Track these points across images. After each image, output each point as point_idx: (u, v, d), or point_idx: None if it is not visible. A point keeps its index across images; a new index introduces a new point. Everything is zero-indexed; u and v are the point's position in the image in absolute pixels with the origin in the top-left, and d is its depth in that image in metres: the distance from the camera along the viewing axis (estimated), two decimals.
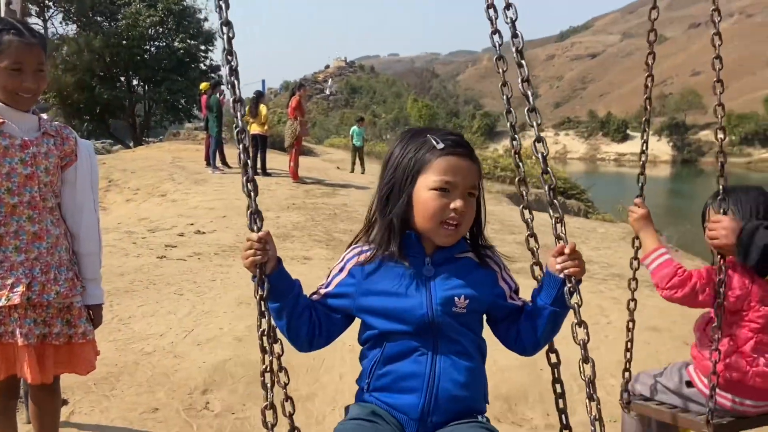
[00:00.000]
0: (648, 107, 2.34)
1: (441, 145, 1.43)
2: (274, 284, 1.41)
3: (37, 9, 23.64)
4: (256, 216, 1.43)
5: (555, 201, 1.51)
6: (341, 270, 1.52)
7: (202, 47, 26.36)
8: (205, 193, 10.37)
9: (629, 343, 2.38)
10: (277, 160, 14.81)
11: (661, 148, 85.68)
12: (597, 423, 1.39)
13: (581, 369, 1.44)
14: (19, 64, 1.91)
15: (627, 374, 2.37)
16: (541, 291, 1.51)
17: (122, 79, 26.07)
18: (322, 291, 1.53)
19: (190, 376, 3.42)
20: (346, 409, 1.55)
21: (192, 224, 7.72)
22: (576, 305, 1.44)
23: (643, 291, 4.26)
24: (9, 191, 1.93)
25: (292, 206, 9.36)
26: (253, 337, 1.98)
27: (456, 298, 1.44)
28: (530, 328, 1.50)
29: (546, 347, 1.54)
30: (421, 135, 1.49)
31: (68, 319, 2.05)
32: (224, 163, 13.48)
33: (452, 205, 1.41)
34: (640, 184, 2.31)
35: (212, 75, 25.15)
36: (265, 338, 1.43)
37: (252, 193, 1.45)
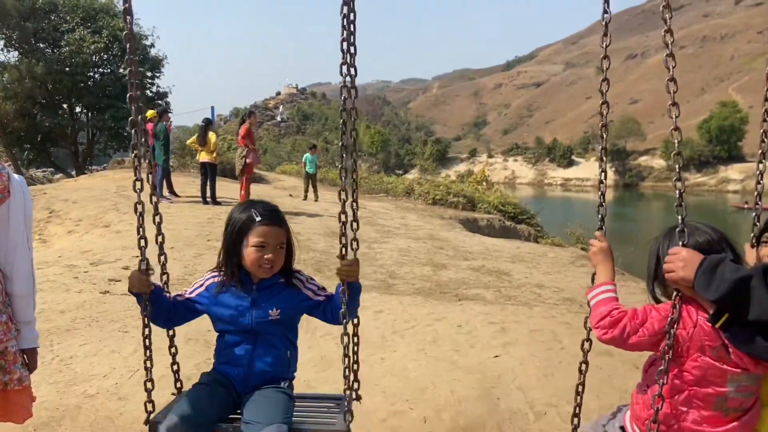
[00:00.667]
0: (604, 135, 2.27)
1: (259, 218, 2.19)
2: (153, 297, 2.20)
3: None
4: (144, 262, 2.20)
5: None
6: (201, 285, 2.30)
7: (149, 74, 25.83)
8: (151, 222, 10.05)
9: (580, 387, 2.29)
10: (227, 188, 14.58)
11: None
12: None
13: None
14: None
15: (576, 420, 2.29)
16: (336, 294, 2.24)
17: (65, 106, 25.23)
18: (186, 295, 2.30)
19: (136, 419, 3.24)
20: (201, 375, 2.31)
21: (137, 257, 7.45)
22: (343, 298, 2.13)
23: None
24: None
25: None
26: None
27: (270, 311, 2.22)
28: (335, 310, 2.22)
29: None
30: (249, 208, 2.24)
31: (2, 365, 1.92)
32: (172, 192, 13.18)
33: (267, 257, 2.18)
34: (600, 216, 2.24)
35: (159, 102, 24.67)
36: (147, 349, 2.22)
37: (141, 229, 2.21)
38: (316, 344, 4.70)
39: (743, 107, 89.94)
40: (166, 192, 12.84)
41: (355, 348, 2.21)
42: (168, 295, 2.28)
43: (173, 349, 2.38)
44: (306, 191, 15.73)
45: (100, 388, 3.57)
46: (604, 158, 2.32)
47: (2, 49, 24.07)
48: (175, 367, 2.41)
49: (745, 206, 38.99)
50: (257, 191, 14.63)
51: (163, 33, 28.79)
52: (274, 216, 2.21)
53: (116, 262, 7.21)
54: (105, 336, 4.48)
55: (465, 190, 19.75)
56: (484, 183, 24.80)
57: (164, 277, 2.33)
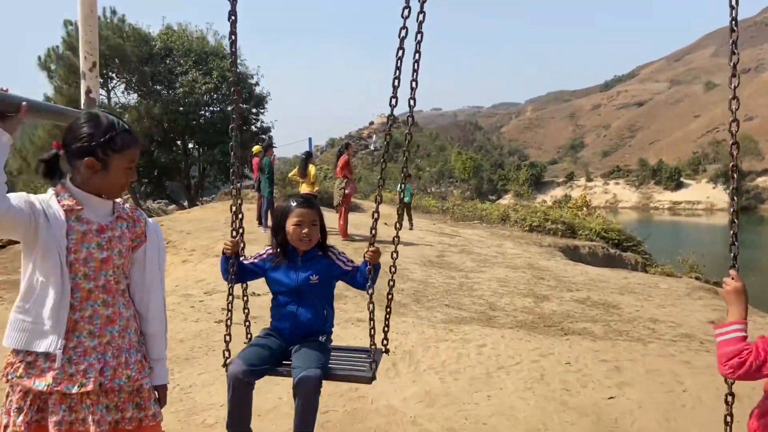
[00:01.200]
0: (734, 153, 2.18)
1: (295, 203, 2.96)
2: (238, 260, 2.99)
3: (101, 81, 25.13)
4: (237, 229, 2.99)
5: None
6: (262, 255, 3.02)
7: (254, 110, 27.34)
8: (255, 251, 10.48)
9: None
10: (326, 218, 14.96)
11: (717, 195, 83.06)
12: None
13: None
14: (133, 162, 2.08)
15: None
16: (363, 267, 2.95)
17: (178, 143, 27.16)
18: (250, 260, 3.02)
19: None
20: (261, 331, 3.06)
21: (246, 286, 7.79)
22: (369, 271, 2.91)
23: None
24: (85, 276, 1.96)
25: None
26: None
27: (311, 277, 2.92)
28: (357, 275, 2.97)
29: None
30: (288, 199, 3.04)
31: (138, 402, 2.04)
32: None
33: (303, 232, 2.91)
34: (732, 254, 2.18)
35: (263, 136, 25.96)
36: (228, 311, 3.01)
37: (236, 209, 2.97)
38: (420, 379, 4.66)
39: None
40: (270, 223, 13.37)
41: (389, 310, 3.05)
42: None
43: (246, 310, 3.19)
44: (407, 220, 15.80)
45: (218, 417, 3.72)
46: (734, 186, 2.28)
47: (123, 92, 26.39)
48: (247, 323, 3.18)
49: None
50: (354, 220, 14.90)
51: (267, 71, 30.40)
52: (307, 201, 3.03)
53: (221, 290, 7.57)
54: (221, 365, 4.68)
55: (564, 216, 19.12)
56: (585, 208, 23.93)
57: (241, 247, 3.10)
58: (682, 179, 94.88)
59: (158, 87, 26.27)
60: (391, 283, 2.99)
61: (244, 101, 26.25)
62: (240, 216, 2.97)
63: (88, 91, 2.88)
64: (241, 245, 3.00)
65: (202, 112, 26.55)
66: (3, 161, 1.82)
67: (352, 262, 3.02)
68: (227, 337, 2.95)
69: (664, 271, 14.07)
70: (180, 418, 3.70)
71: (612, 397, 4.39)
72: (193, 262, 10.53)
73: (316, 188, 13.08)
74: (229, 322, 2.96)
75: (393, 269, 2.94)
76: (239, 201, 2.95)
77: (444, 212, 23.31)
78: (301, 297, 2.93)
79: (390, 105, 2.83)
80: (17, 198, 1.88)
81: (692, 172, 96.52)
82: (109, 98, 24.92)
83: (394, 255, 2.96)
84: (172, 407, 3.85)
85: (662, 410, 4.17)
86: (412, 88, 2.84)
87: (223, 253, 2.94)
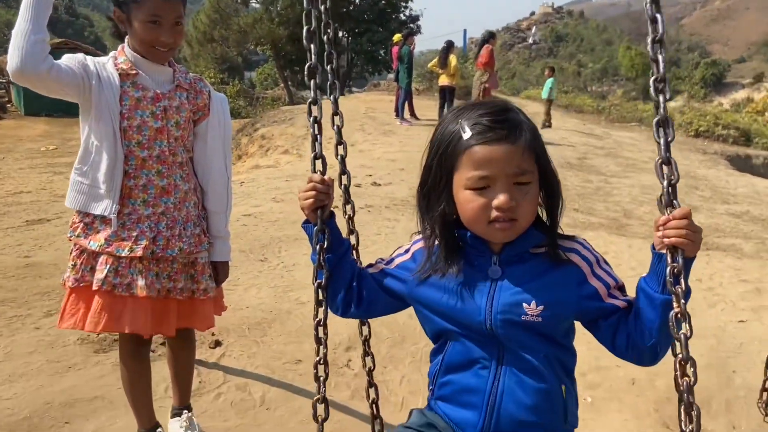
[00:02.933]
0: None
1: (468, 134, 1.20)
2: (330, 236, 1.36)
3: None
4: (319, 160, 1.42)
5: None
6: (407, 251, 1.40)
7: None
8: (390, 144, 10.50)
9: None
10: None
11: None
12: None
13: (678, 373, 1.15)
14: (157, 17, 1.87)
15: None
16: (648, 277, 1.20)
17: (329, 31, 27.41)
18: (381, 266, 1.43)
19: (336, 331, 3.41)
20: (410, 413, 1.43)
21: (370, 175, 7.86)
22: (679, 290, 1.12)
23: None
24: (139, 144, 1.95)
25: None
26: None
27: (525, 305, 1.22)
28: (641, 328, 1.19)
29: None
30: (461, 116, 1.24)
31: (192, 274, 2.07)
32: (413, 114, 13.53)
33: (495, 203, 1.18)
34: None
35: (411, 25, 25.30)
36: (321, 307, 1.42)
37: (318, 136, 1.46)
38: None
39: None
40: (407, 115, 13.24)
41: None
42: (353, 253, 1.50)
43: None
44: (546, 118, 14.85)
45: (311, 296, 3.83)
46: None
47: None
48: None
49: None
50: None
51: None
52: (494, 127, 1.19)
53: (352, 179, 7.70)
54: None
55: (739, 120, 16.80)
56: (767, 113, 20.84)
57: (348, 208, 1.56)
58: None
59: None
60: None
61: None
62: (319, 128, 1.47)
63: None
64: (330, 202, 1.38)
65: None
66: (46, 17, 1.79)
67: (622, 288, 1.29)
68: (319, 408, 1.42)
69: None
70: (277, 294, 3.87)
71: (743, 321, 3.88)
72: (330, 150, 10.79)
73: (456, 80, 12.58)
74: (321, 363, 1.44)
75: None
76: (317, 117, 1.47)
77: (599, 112, 21.54)
78: (504, 349, 1.25)
79: None
80: (70, 59, 1.87)
81: None
82: None
83: None
84: (272, 282, 4.04)
85: None
86: None
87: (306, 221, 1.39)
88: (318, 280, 1.37)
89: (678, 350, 1.14)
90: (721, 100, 55.68)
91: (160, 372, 2.68)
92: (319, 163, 1.44)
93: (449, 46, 12.79)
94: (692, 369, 1.12)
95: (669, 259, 1.13)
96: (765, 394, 2.48)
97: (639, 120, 19.12)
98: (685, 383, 1.12)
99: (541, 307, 1.21)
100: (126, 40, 1.97)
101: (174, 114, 2.00)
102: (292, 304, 3.73)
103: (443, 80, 12.36)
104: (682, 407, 1.12)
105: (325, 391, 1.40)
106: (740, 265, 5.06)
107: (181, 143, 2.04)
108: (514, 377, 1.24)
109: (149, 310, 1.96)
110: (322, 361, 1.41)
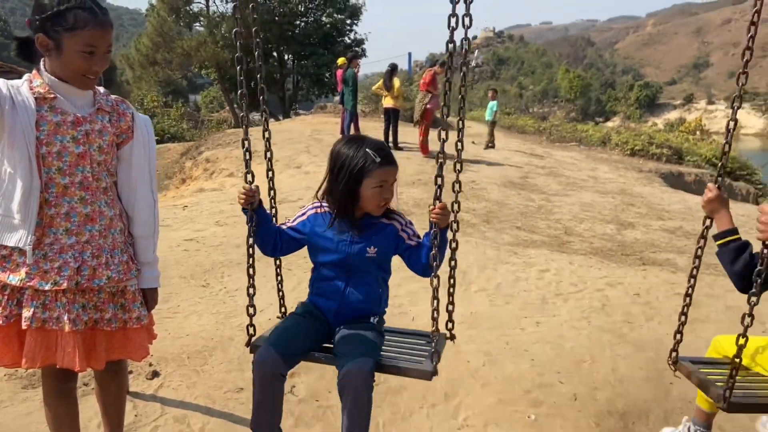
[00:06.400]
0: None
1: (378, 160, 2.15)
2: (258, 217, 2.26)
3: None
4: (250, 174, 2.22)
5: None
6: (303, 214, 2.34)
7: (348, 21, 26.84)
8: (261, 138, 10.40)
9: (684, 314, 2.58)
10: (411, 133, 14.65)
11: None
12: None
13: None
14: (92, 47, 1.81)
15: (678, 336, 2.60)
16: (426, 234, 2.21)
17: (274, 54, 27.36)
18: (288, 224, 2.35)
19: None
20: (297, 305, 2.40)
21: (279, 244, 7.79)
22: (434, 243, 2.12)
23: None
24: (60, 171, 1.86)
25: (417, 182, 9.16)
26: None
27: (368, 248, 2.22)
28: (420, 255, 2.23)
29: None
30: (361, 145, 2.17)
31: (122, 303, 1.99)
32: None
33: (385, 196, 2.20)
34: None
35: (356, 48, 25.55)
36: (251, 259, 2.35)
37: (247, 153, 2.19)
38: (468, 299, 4.48)
39: None
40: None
41: (452, 290, 2.26)
42: (274, 221, 2.39)
43: (279, 278, 2.56)
44: (489, 139, 15.20)
45: (255, 321, 3.74)
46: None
47: (222, 1, 26.63)
48: (280, 294, 2.59)
49: None
50: (436, 137, 14.48)
51: None
52: (390, 156, 2.20)
53: (297, 202, 7.61)
54: (271, 272, 4.70)
55: (671, 140, 17.61)
56: (698, 132, 21.94)
57: (272, 194, 2.42)
58: None
59: None
60: (453, 244, 2.21)
61: (338, 11, 25.79)
62: (249, 153, 2.18)
63: None
64: (259, 196, 2.25)
65: (297, 23, 26.40)
66: None
67: (417, 237, 2.27)
68: (250, 310, 2.34)
69: None
70: (219, 320, 3.77)
71: (680, 333, 4.00)
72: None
73: (400, 102, 12.73)
74: (251, 291, 2.35)
75: (455, 217, 2.18)
76: (248, 134, 2.19)
77: (541, 133, 22.20)
78: (352, 272, 2.24)
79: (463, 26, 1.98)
80: None
81: None
82: (207, 6, 25.27)
83: (455, 206, 2.19)
84: (214, 308, 3.93)
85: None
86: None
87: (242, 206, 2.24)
88: (251, 224, 2.27)
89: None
90: (654, 120, 58.40)
91: (93, 407, 2.55)
92: (249, 176, 2.23)
93: (393, 69, 12.95)
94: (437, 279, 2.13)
95: (434, 227, 2.11)
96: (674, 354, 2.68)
97: (578, 140, 19.79)
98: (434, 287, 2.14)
99: (376, 249, 2.23)
100: (42, 63, 1.88)
101: (96, 138, 1.91)
102: (234, 331, 3.63)
103: (388, 102, 12.50)
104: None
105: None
106: (675, 279, 5.25)
107: (105, 168, 1.96)
108: (355, 284, 2.26)
109: (79, 344, 1.86)
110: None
